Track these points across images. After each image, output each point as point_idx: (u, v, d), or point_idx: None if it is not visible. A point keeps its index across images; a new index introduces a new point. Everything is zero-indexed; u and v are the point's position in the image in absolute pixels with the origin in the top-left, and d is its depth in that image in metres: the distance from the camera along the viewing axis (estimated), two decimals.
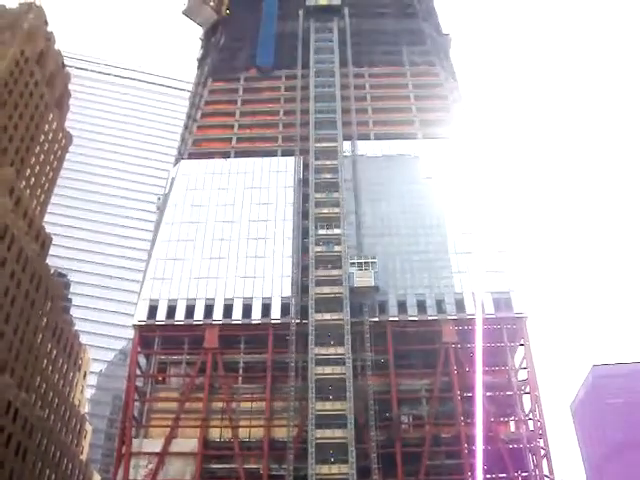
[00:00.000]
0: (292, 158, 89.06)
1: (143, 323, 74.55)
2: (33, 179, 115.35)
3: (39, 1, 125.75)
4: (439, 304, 74.22)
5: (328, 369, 69.68)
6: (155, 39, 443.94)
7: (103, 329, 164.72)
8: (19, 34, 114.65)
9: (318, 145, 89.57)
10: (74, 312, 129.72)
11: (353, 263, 75.51)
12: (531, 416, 69.53)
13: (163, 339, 74.31)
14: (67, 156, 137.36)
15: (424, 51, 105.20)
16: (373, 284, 73.95)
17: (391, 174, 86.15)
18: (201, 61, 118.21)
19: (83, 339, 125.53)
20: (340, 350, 70.59)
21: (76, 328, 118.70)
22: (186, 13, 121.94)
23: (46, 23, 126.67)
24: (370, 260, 75.30)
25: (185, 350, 73.43)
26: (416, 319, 73.03)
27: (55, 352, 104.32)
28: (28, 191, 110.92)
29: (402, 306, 74.14)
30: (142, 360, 76.21)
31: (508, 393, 70.50)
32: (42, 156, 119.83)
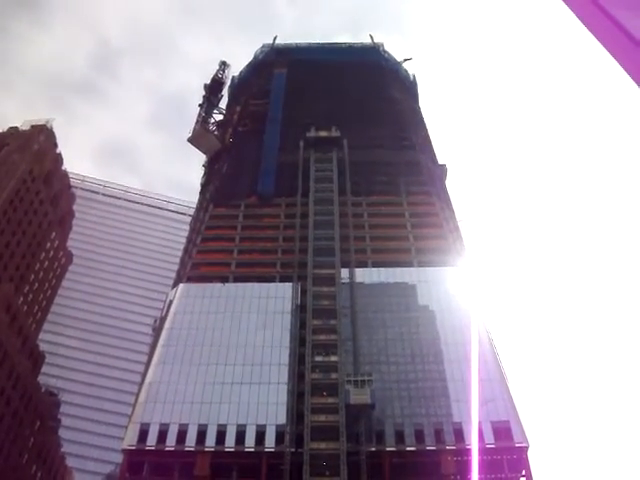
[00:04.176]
0: (290, 284, 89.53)
1: (133, 447, 72.34)
2: (31, 296, 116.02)
3: (50, 124, 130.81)
4: (437, 433, 72.68)
5: None
6: (159, 164, 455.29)
7: (91, 452, 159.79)
8: (29, 154, 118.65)
9: (316, 272, 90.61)
10: (63, 433, 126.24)
11: (349, 381, 74.60)
12: None
13: (153, 465, 72.05)
14: (67, 274, 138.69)
15: (420, 181, 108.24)
16: (369, 401, 72.65)
17: (388, 302, 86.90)
18: (204, 187, 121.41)
19: (70, 462, 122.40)
20: None
21: (63, 450, 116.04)
22: (191, 141, 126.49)
23: (55, 145, 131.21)
24: (367, 378, 74.44)
25: (175, 477, 71.20)
26: (414, 449, 71.53)
27: (40, 474, 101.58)
28: (25, 307, 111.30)
29: (400, 436, 72.61)
30: None
31: None
32: (41, 273, 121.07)
